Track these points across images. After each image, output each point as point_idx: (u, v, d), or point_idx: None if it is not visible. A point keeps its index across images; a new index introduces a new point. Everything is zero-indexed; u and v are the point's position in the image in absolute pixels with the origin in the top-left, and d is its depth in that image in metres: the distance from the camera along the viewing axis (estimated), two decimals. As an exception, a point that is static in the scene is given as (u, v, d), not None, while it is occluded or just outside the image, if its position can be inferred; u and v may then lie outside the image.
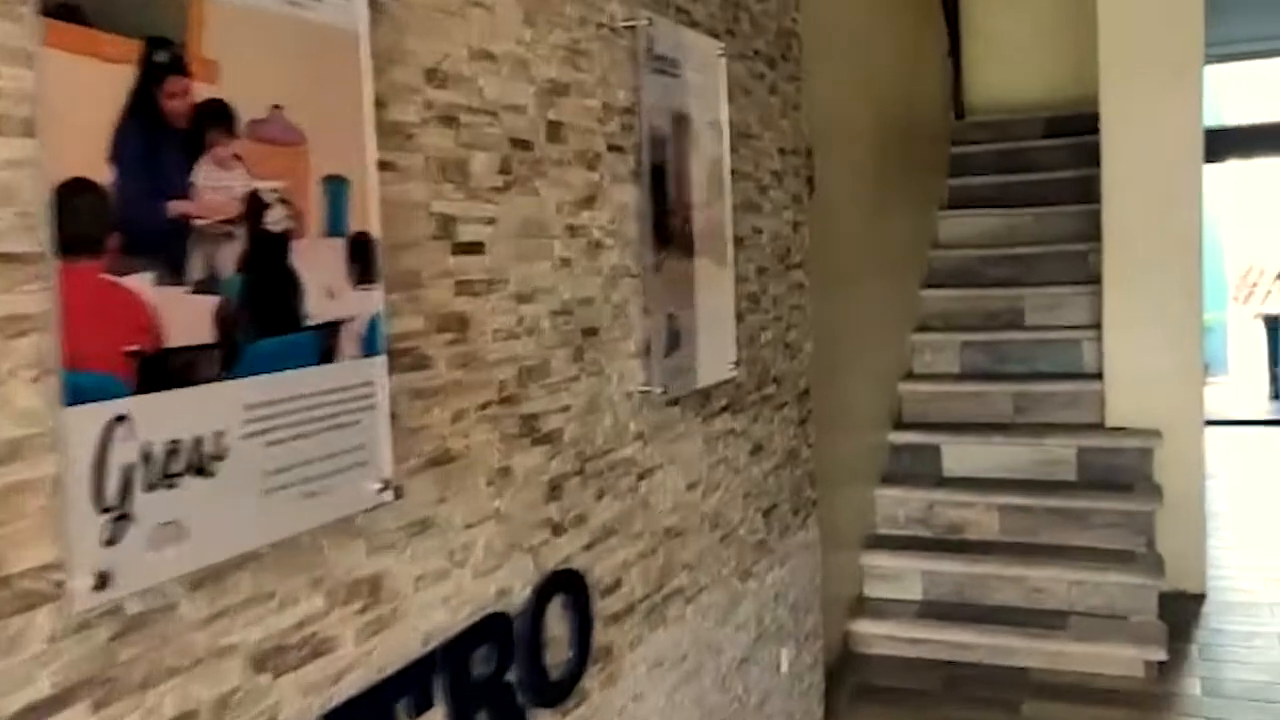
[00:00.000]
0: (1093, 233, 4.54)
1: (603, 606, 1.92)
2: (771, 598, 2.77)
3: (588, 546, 1.88)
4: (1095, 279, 4.53)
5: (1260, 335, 9.54)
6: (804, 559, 3.02)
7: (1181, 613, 4.04)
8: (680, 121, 2.15)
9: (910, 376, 4.85)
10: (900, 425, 4.63)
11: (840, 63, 3.90)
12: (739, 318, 2.55)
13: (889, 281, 4.62)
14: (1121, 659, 3.58)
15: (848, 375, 4.02)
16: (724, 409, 2.48)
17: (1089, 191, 4.68)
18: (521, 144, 1.70)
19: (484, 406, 1.59)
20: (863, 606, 4.00)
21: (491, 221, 1.62)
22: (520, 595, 1.67)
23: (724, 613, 2.47)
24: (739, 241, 2.56)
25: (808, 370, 3.09)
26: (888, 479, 4.42)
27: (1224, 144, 7.31)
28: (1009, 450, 4.37)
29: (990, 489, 4.23)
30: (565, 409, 1.80)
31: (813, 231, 3.43)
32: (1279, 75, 7.66)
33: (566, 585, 1.79)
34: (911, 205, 5.13)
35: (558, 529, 1.78)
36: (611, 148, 1.96)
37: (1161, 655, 3.54)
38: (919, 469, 4.48)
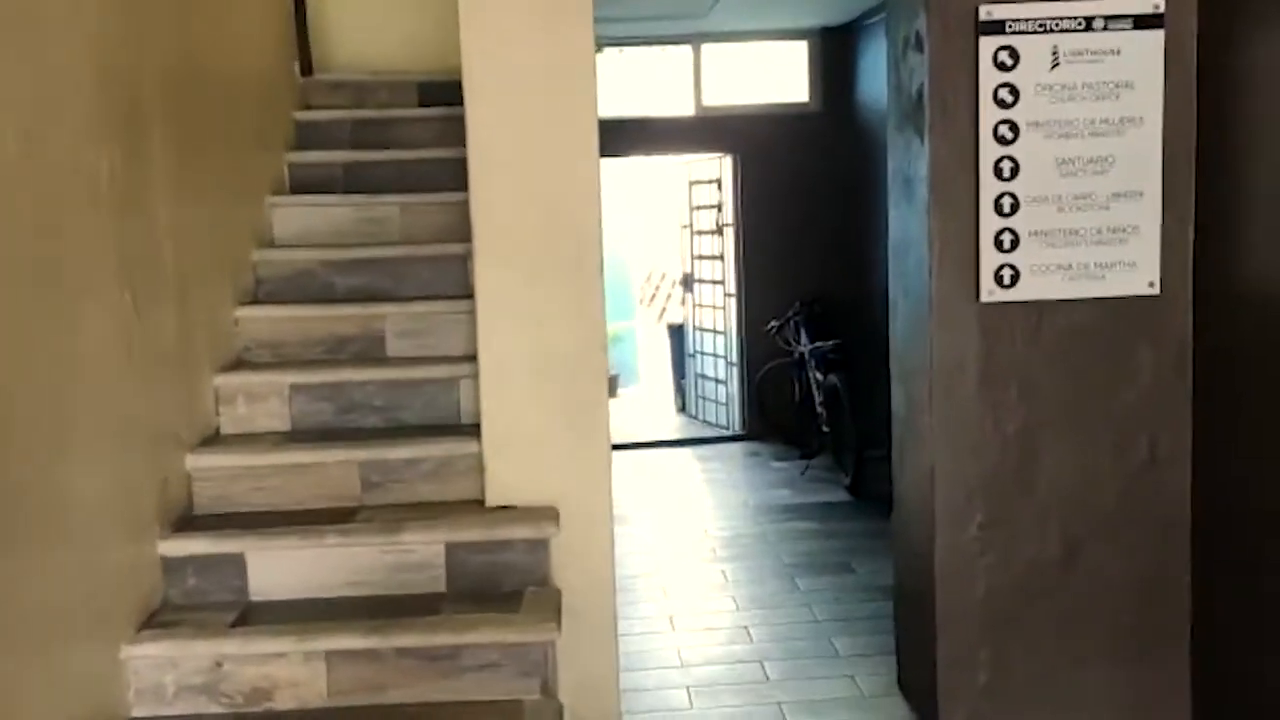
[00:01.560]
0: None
1: None
2: None
3: None
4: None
5: (666, 344, 9.25)
6: None
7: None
8: None
9: (212, 441, 3.21)
10: (181, 525, 2.97)
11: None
12: None
13: (165, 300, 2.93)
14: None
15: (60, 462, 2.30)
16: None
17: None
18: None
19: None
20: None
21: None
22: None
23: None
24: None
25: None
26: (152, 622, 2.73)
27: (623, 138, 6.62)
28: (347, 552, 2.90)
29: (318, 622, 2.73)
30: None
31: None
32: (675, 64, 7.16)
33: None
34: (220, 188, 3.49)
35: None
36: None
37: None
38: (209, 597, 2.85)
